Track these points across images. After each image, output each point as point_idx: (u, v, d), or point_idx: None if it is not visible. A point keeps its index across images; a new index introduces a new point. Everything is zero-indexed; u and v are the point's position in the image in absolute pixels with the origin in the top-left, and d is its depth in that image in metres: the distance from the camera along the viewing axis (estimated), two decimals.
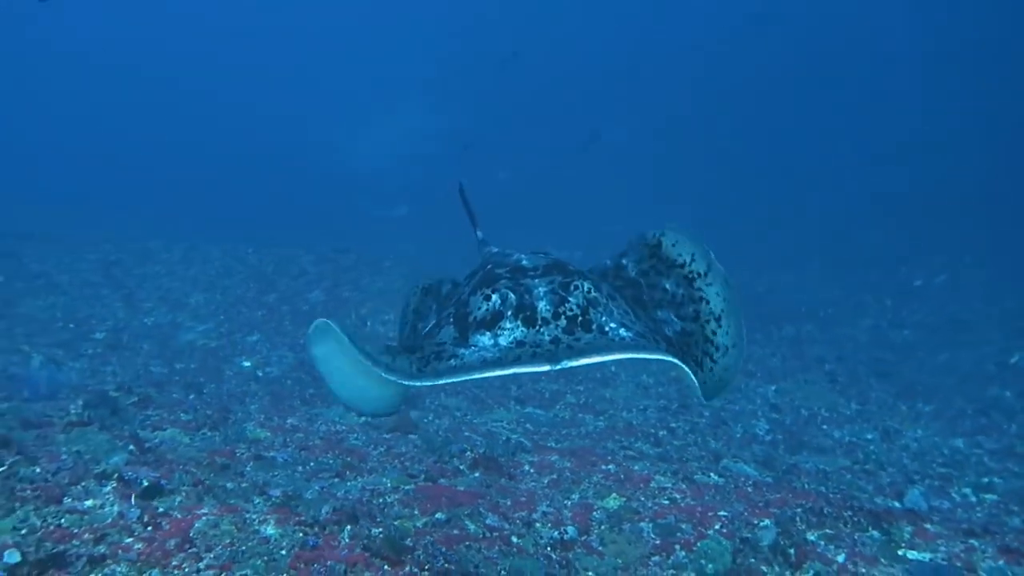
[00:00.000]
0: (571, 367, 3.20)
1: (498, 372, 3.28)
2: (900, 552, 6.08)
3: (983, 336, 17.88)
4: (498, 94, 55.39)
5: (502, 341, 3.49)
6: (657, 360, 3.63)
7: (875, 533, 6.45)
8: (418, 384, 3.46)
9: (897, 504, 8.55)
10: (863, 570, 5.77)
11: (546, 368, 3.21)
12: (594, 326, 3.59)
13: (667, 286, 4.80)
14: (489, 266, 4.42)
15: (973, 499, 8.87)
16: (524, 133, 52.22)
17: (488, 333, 3.57)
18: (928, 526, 6.64)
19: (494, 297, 3.73)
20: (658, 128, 50.84)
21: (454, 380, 3.40)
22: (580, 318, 3.59)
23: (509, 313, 3.60)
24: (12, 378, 9.92)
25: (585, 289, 3.73)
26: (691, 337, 4.48)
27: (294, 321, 17.19)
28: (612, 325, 3.67)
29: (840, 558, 6.00)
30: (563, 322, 3.54)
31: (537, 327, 3.51)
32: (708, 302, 4.66)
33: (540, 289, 3.75)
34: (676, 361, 3.62)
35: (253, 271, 20.68)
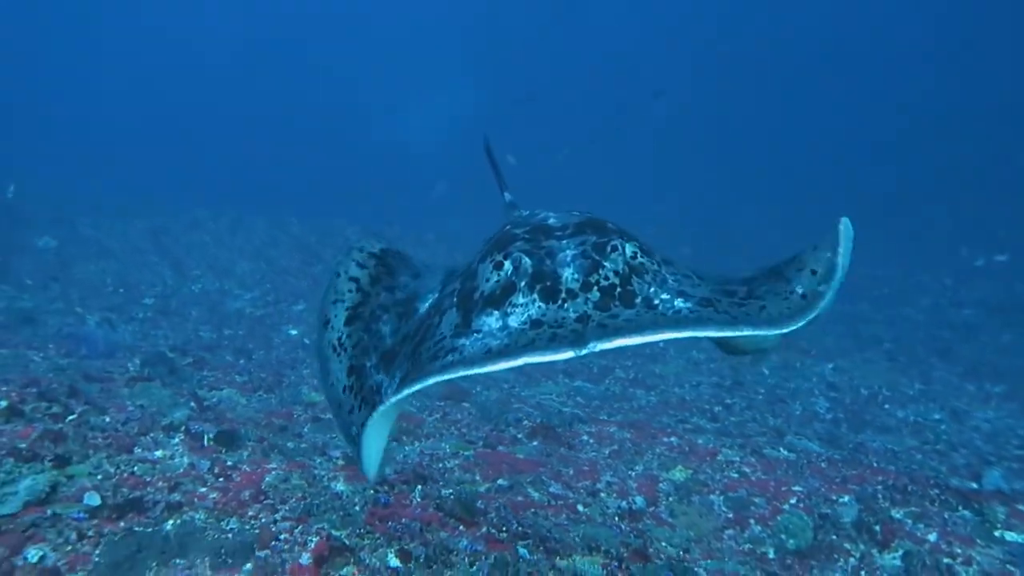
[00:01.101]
0: (603, 350, 2.49)
1: (502, 364, 2.54)
2: (997, 533, 5.73)
3: None
4: (527, 74, 54.87)
5: (512, 322, 2.80)
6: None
7: (966, 513, 6.11)
8: (394, 400, 2.70)
9: (975, 485, 8.15)
10: (959, 550, 5.44)
11: (568, 354, 2.49)
12: (638, 299, 2.87)
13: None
14: (507, 227, 3.67)
15: None
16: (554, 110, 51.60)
17: (496, 313, 2.87)
18: (1022, 507, 6.27)
19: (506, 264, 3.03)
20: (706, 107, 49.84)
21: (442, 378, 2.62)
22: (619, 289, 2.87)
23: (523, 284, 2.88)
24: (69, 337, 9.94)
25: (628, 253, 3.00)
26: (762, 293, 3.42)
27: None
28: (664, 296, 2.96)
29: (932, 537, 5.67)
30: (595, 295, 2.82)
31: (560, 302, 2.80)
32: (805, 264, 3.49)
33: (566, 252, 3.03)
34: (748, 332, 2.77)
35: (297, 242, 20.68)
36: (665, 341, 3.55)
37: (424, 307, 3.67)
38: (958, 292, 19.48)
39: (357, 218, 22.17)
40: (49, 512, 3.58)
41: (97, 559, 3.38)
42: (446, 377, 2.63)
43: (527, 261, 2.97)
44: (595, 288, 2.83)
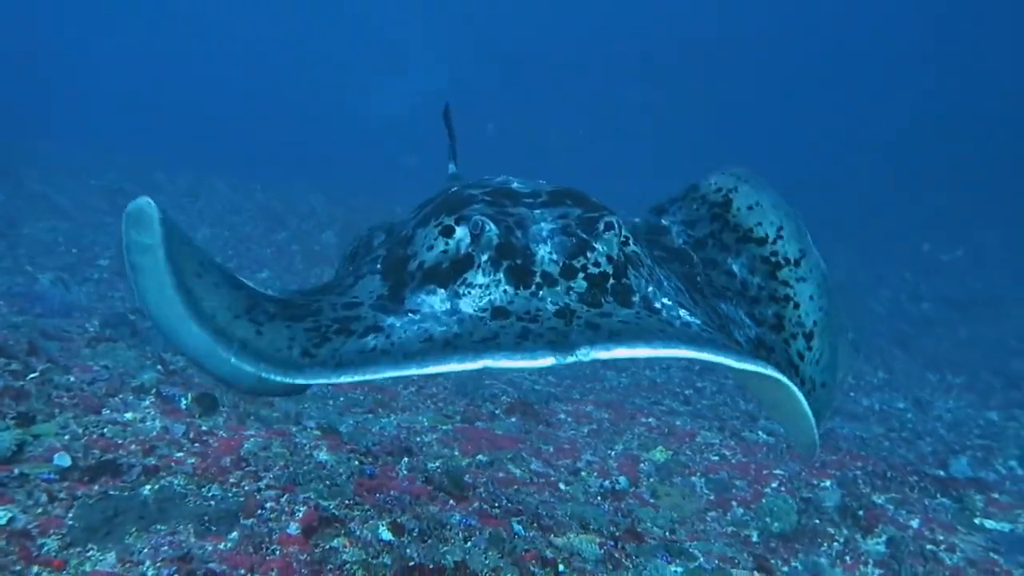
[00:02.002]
0: (596, 359, 1.92)
1: (456, 365, 1.91)
2: (976, 521, 5.76)
3: (1004, 312, 17.61)
4: (505, 48, 54.21)
5: (466, 306, 2.18)
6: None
7: (945, 500, 6.14)
8: (300, 382, 2.09)
9: (942, 472, 8.25)
10: (941, 537, 5.44)
11: (548, 361, 1.89)
12: (635, 297, 2.26)
13: (735, 268, 3.31)
14: (456, 188, 3.03)
15: (1020, 471, 8.58)
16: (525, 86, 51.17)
17: (443, 291, 2.26)
18: (997, 495, 6.33)
19: (458, 230, 2.38)
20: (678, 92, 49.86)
21: (367, 378, 2.01)
22: (612, 281, 2.24)
23: (485, 259, 2.25)
24: (21, 295, 9.42)
25: (621, 235, 2.37)
26: (771, 354, 3.04)
27: (305, 260, 16.71)
28: (665, 302, 2.35)
29: (914, 523, 5.66)
30: (580, 284, 2.19)
31: (534, 287, 2.17)
32: (798, 306, 3.21)
33: (542, 226, 2.38)
34: (783, 379, 2.22)
35: (261, 209, 20.09)
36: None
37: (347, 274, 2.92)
38: (917, 286, 19.85)
39: (324, 187, 21.65)
40: (16, 471, 3.30)
41: (71, 522, 3.12)
42: (364, 378, 1.98)
43: (492, 230, 2.31)
44: (580, 275, 2.21)
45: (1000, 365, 14.17)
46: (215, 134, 37.43)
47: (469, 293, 2.21)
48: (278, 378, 2.06)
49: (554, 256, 2.26)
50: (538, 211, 2.52)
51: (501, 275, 2.22)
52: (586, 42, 53.02)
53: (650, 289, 2.37)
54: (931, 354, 14.73)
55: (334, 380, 2.03)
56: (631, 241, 2.42)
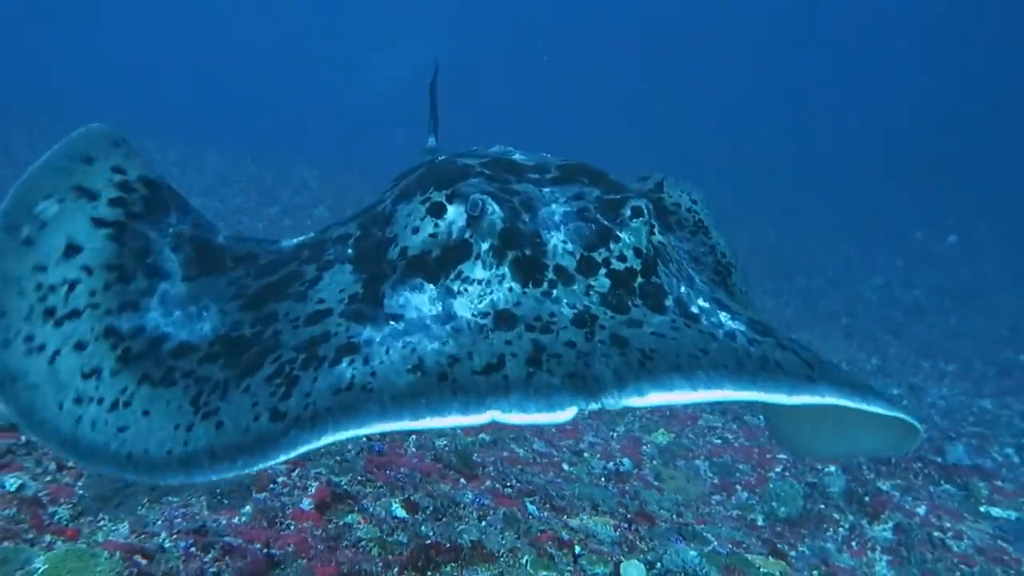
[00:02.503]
0: (635, 407, 1.54)
1: (458, 418, 1.50)
2: (982, 508, 5.76)
3: (994, 301, 17.73)
4: (499, 26, 53.74)
5: (462, 308, 1.78)
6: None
7: (950, 487, 6.13)
8: (280, 459, 1.57)
9: (939, 459, 8.26)
10: (948, 524, 5.43)
11: (568, 413, 1.50)
12: (669, 300, 1.86)
13: (681, 245, 2.96)
14: (444, 157, 2.64)
15: (1016, 459, 8.61)
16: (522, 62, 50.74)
17: (431, 286, 1.87)
18: (1000, 483, 6.33)
19: (451, 209, 2.01)
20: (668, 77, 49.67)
21: (350, 435, 1.53)
22: (640, 279, 1.86)
23: (485, 247, 1.87)
24: None
25: (650, 222, 2.01)
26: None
27: (297, 235, 16.51)
28: (703, 304, 1.95)
29: (921, 510, 5.65)
30: (602, 281, 1.81)
31: (546, 285, 1.79)
32: (724, 256, 3.15)
33: (553, 208, 2.01)
34: (911, 420, 1.87)
35: (253, 181, 19.83)
36: None
37: (289, 241, 2.40)
38: (909, 274, 19.93)
39: (316, 162, 21.39)
40: (23, 439, 3.18)
41: (81, 491, 3.03)
42: (347, 435, 1.50)
43: (495, 210, 1.90)
44: (602, 271, 1.83)
45: (992, 354, 14.26)
46: (208, 106, 36.91)
47: (465, 291, 1.81)
48: (255, 466, 1.55)
49: (569, 246, 1.86)
50: (548, 190, 2.12)
51: (506, 268, 1.82)
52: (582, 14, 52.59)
53: (683, 289, 1.96)
54: (924, 341, 14.79)
55: (314, 444, 1.51)
56: (656, 229, 2.06)
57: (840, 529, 5.52)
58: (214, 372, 1.78)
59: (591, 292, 1.79)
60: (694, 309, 1.90)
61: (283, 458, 1.54)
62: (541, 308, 1.73)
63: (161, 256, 2.10)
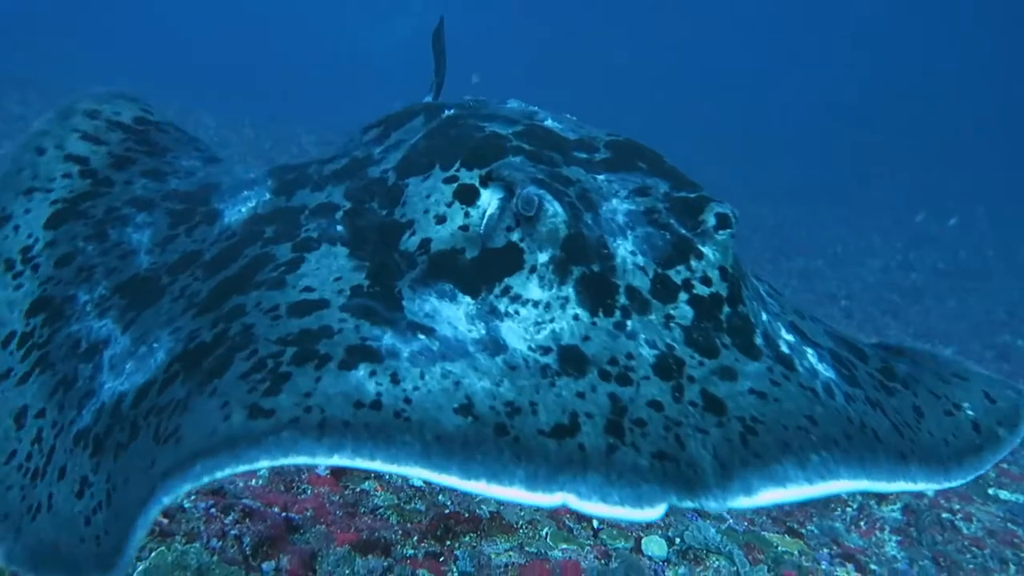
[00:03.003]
0: (741, 509, 1.26)
1: (522, 493, 1.19)
2: (991, 491, 5.74)
3: (992, 284, 17.80)
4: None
5: (513, 338, 1.43)
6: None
7: None
8: (264, 463, 1.25)
9: None
10: (957, 507, 5.41)
11: (657, 511, 1.21)
12: (758, 335, 1.53)
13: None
14: (450, 112, 2.21)
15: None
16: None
17: (468, 299, 1.51)
18: (1006, 466, 6.32)
19: (484, 194, 1.67)
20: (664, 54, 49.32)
21: (374, 466, 1.23)
22: (727, 310, 1.53)
23: (544, 260, 1.50)
24: None
25: (728, 229, 1.64)
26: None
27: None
28: (788, 338, 1.66)
29: (930, 492, 5.63)
30: (683, 311, 1.48)
31: (618, 313, 1.45)
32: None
33: (615, 204, 1.65)
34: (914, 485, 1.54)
35: (250, 147, 19.57)
36: None
37: (236, 212, 1.99)
38: (907, 256, 19.94)
39: (315, 126, 21.14)
40: None
41: None
42: (356, 462, 1.20)
43: (558, 211, 1.52)
44: (682, 296, 1.49)
45: (989, 337, 14.30)
46: (206, 68, 36.37)
47: (516, 313, 1.44)
48: (223, 471, 1.21)
49: (640, 260, 1.51)
50: (603, 177, 1.72)
51: (570, 289, 1.46)
52: None
53: (765, 318, 1.62)
54: (922, 324, 14.81)
55: (319, 458, 1.20)
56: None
57: (848, 509, 5.49)
58: (175, 393, 1.43)
59: (672, 325, 1.44)
60: (784, 348, 1.59)
61: (269, 462, 1.20)
62: (615, 346, 1.38)
63: (90, 335, 1.74)
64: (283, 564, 2.73)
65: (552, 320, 1.43)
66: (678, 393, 1.33)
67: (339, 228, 1.76)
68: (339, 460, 1.18)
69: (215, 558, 2.58)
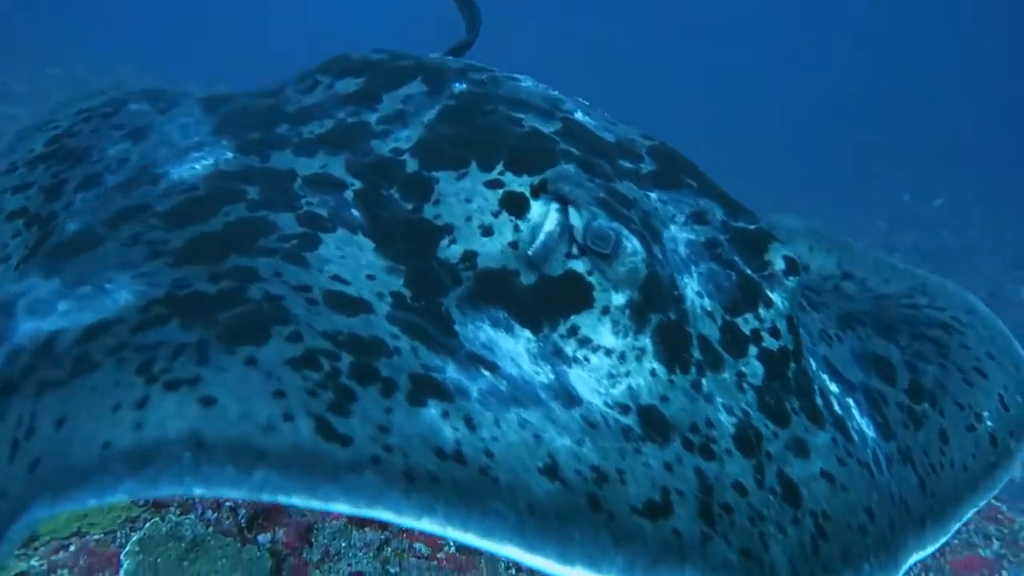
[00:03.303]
0: None
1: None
2: None
3: (973, 264, 18.01)
4: None
5: (587, 390, 1.24)
6: None
7: None
8: (343, 508, 1.01)
9: None
10: None
11: None
12: (818, 395, 1.41)
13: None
14: (462, 89, 2.01)
15: None
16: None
17: (528, 333, 1.30)
18: None
19: (535, 207, 1.48)
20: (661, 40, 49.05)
21: (455, 534, 1.03)
22: (792, 366, 1.38)
23: (620, 303, 1.32)
24: None
25: (796, 276, 1.48)
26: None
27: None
28: (834, 389, 1.57)
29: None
30: (754, 367, 1.34)
31: (693, 371, 1.29)
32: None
33: (674, 232, 1.50)
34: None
35: None
36: None
37: (188, 168, 1.76)
38: (891, 237, 20.10)
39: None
40: None
41: None
42: (445, 528, 1.01)
43: (637, 249, 1.33)
44: (752, 350, 1.34)
45: None
46: (189, 39, 35.69)
47: (587, 360, 1.26)
48: (290, 498, 0.96)
49: (707, 303, 1.35)
50: (655, 195, 1.56)
51: (647, 340, 1.28)
52: None
53: (814, 366, 1.49)
54: None
55: (405, 518, 0.97)
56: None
57: None
58: (170, 335, 1.12)
59: (744, 385, 1.29)
60: (838, 408, 1.46)
61: (349, 508, 0.97)
62: (695, 410, 1.22)
63: (3, 294, 1.37)
64: (279, 536, 2.70)
65: (628, 374, 1.26)
66: (759, 476, 1.22)
67: (355, 212, 1.53)
68: (427, 525, 0.98)
69: (210, 529, 2.56)
